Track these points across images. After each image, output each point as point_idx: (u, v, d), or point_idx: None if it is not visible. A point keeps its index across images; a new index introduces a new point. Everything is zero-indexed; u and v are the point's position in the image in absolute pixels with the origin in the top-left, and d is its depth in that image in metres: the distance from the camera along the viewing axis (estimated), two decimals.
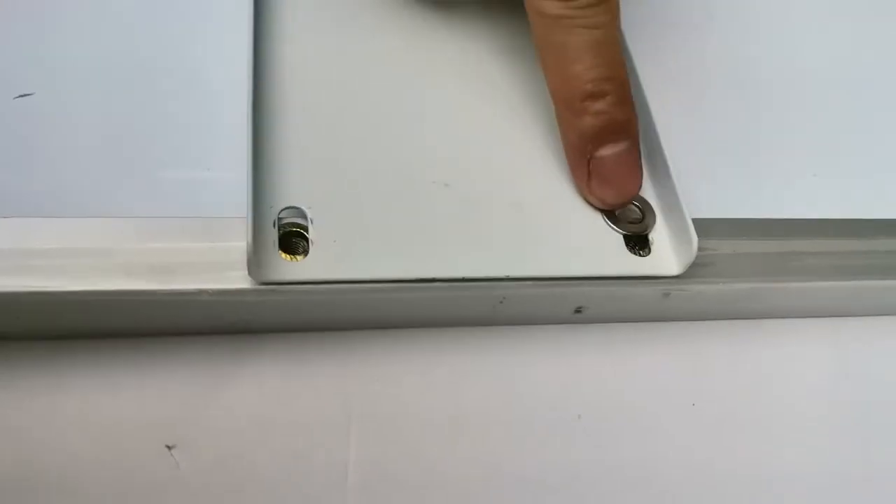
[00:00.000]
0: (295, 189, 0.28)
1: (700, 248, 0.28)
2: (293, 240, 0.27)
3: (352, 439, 0.27)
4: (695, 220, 0.28)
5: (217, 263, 0.26)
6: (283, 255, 0.26)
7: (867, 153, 0.37)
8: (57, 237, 0.26)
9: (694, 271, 0.28)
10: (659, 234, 0.30)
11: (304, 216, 0.27)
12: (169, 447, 0.25)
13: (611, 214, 0.30)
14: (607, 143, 0.29)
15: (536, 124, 0.32)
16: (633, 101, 0.29)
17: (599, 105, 0.28)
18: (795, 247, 0.31)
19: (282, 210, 0.27)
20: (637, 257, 0.29)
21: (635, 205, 0.30)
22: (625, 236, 0.29)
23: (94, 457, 0.25)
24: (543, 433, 0.28)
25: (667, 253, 0.29)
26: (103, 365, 0.26)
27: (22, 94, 0.31)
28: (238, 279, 0.26)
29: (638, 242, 0.29)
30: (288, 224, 0.27)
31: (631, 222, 0.30)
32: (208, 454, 0.26)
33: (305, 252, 0.27)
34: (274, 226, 0.27)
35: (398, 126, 0.31)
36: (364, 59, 0.32)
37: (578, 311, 0.29)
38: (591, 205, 0.30)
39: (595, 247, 0.29)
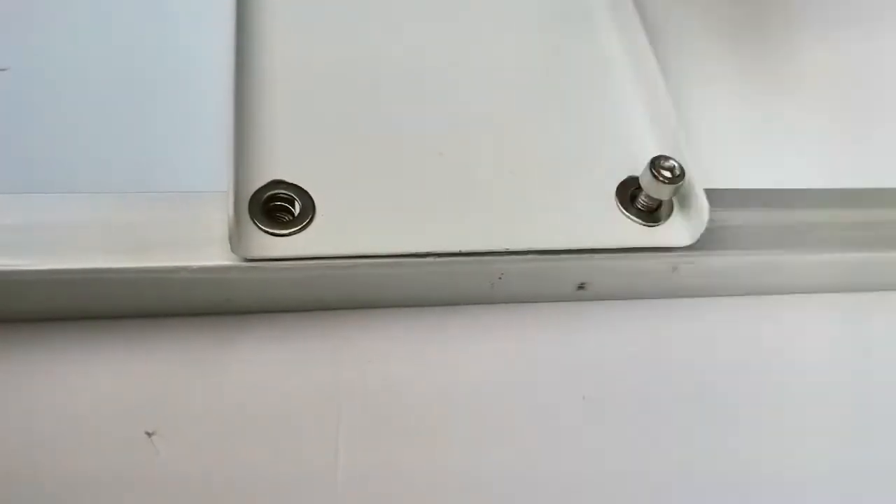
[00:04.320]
0: (280, 161, 0.26)
1: (710, 219, 0.26)
2: (278, 214, 0.26)
3: (341, 425, 0.25)
4: (706, 190, 0.27)
5: (199, 239, 0.25)
6: (268, 230, 0.25)
7: (881, 124, 0.36)
8: (29, 212, 0.25)
9: (704, 242, 0.27)
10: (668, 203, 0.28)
11: (290, 189, 0.26)
12: (149, 434, 0.24)
13: (624, 201, 0.28)
14: None
15: (535, 87, 0.30)
16: None
17: None
18: (809, 217, 0.30)
19: (266, 183, 0.26)
20: (645, 227, 0.27)
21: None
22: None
23: (70, 444, 0.24)
24: (546, 416, 0.27)
25: (676, 223, 0.28)
26: (79, 348, 0.25)
27: None
28: (220, 255, 0.24)
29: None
30: (273, 198, 0.26)
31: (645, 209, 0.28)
32: (189, 441, 0.24)
33: (291, 227, 0.25)
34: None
35: (388, 94, 0.29)
36: (351, 28, 0.31)
37: (581, 287, 0.28)
38: None
39: (599, 217, 0.27)
